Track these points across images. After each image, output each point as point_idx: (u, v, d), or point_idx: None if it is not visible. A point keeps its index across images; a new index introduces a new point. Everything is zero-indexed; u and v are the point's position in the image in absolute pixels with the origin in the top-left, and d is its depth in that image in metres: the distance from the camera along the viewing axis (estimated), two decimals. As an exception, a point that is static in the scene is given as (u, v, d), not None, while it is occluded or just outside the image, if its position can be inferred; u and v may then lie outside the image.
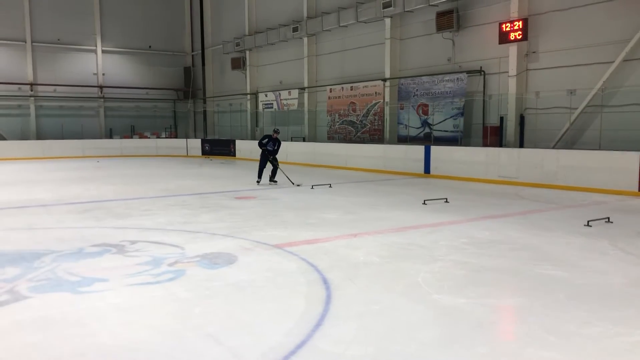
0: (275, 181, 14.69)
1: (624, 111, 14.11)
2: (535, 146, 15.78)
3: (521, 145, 16.19)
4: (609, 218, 8.96)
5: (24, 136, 29.05)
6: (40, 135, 29.51)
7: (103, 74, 31.71)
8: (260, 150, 14.69)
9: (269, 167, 14.76)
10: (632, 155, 12.75)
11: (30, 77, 29.51)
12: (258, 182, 14.68)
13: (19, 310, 4.67)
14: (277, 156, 14.80)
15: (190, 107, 34.57)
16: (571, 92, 14.97)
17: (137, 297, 5.01)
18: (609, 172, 13.07)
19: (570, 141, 15.22)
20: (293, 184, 14.40)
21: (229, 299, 5.01)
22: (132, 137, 31.17)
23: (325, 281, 5.48)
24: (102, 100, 31.76)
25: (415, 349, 3.87)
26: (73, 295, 5.07)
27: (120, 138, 30.77)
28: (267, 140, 14.53)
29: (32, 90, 29.64)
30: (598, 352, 3.84)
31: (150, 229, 8.35)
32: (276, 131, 14.76)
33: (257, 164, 14.90)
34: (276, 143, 14.58)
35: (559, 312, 4.62)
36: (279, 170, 14.78)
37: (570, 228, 8.42)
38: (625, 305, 4.84)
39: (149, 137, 31.44)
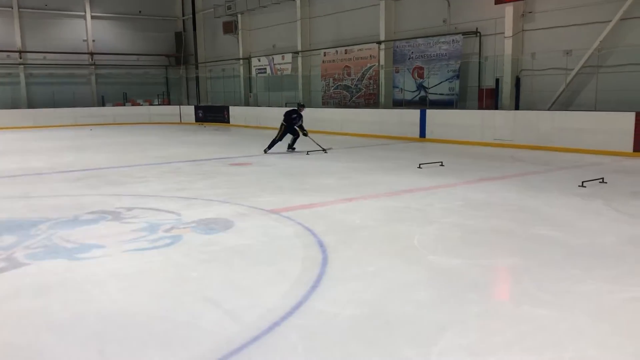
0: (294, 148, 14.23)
1: (620, 71, 14.03)
2: (530, 108, 15.72)
3: (517, 108, 16.14)
4: (603, 178, 9.00)
5: (14, 105, 28.72)
6: (31, 104, 29.18)
7: (93, 41, 31.18)
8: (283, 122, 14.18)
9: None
10: (627, 116, 12.73)
11: (18, 44, 29.00)
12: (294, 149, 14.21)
13: (17, 277, 4.69)
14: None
15: (183, 73, 34.18)
16: (567, 53, 14.84)
17: (134, 263, 5.03)
18: (604, 133, 13.08)
19: (566, 103, 15.17)
20: (324, 150, 14.00)
21: (226, 263, 5.04)
22: (124, 105, 30.88)
23: (321, 244, 5.51)
24: (93, 67, 31.32)
25: (410, 309, 3.91)
26: (70, 261, 5.08)
27: (113, 105, 30.46)
28: (295, 115, 14.04)
29: (21, 58, 29.18)
30: (591, 309, 3.89)
31: (146, 195, 8.34)
32: (303, 105, 14.66)
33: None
34: (301, 118, 14.26)
35: (554, 272, 4.67)
36: (312, 140, 14.49)
37: (565, 189, 8.46)
38: (618, 264, 4.90)
39: (142, 104, 31.14)
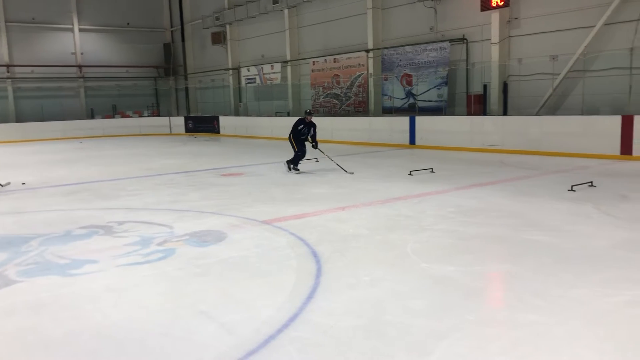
0: (297, 169, 12.11)
1: (605, 75, 14.19)
2: (518, 113, 15.86)
3: (505, 113, 16.26)
4: (592, 182, 9.09)
5: (2, 119, 28.46)
6: (19, 118, 28.97)
7: (81, 53, 31.06)
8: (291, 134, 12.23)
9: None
10: (613, 119, 12.88)
11: (6, 58, 28.82)
12: (297, 170, 12.07)
13: (9, 295, 4.65)
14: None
15: (172, 84, 34.11)
16: (553, 58, 15.00)
17: (128, 278, 5.01)
18: (591, 137, 13.22)
19: (553, 107, 15.31)
20: (346, 171, 11.69)
21: (220, 276, 5.03)
22: (114, 117, 30.77)
23: (315, 255, 5.52)
24: (82, 80, 31.18)
25: (406, 318, 3.93)
26: (63, 278, 5.05)
27: (102, 118, 30.36)
28: (302, 126, 11.99)
29: (8, 72, 28.97)
30: (584, 313, 3.93)
31: (138, 209, 8.31)
32: (309, 113, 12.21)
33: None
34: (311, 128, 12.04)
35: (546, 277, 4.71)
36: (328, 158, 12.51)
37: (554, 193, 8.53)
38: (609, 267, 4.95)
39: (132, 116, 31.06)
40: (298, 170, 12.06)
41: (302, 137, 12.10)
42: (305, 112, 12.27)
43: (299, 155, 12.14)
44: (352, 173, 11.52)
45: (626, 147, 12.58)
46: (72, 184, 11.27)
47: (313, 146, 12.13)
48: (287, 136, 12.29)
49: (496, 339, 3.55)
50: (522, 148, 14.55)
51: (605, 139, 12.94)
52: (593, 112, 14.13)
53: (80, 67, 31.03)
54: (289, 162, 12.23)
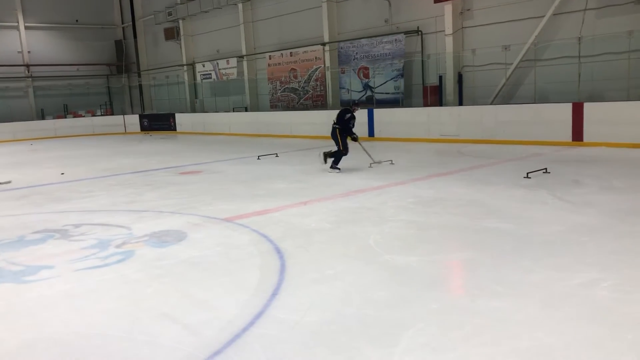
0: (339, 168, 10.80)
1: (555, 64, 14.60)
2: (473, 103, 16.16)
3: (460, 103, 16.55)
4: (546, 169, 9.35)
5: (-54, 122, 27.33)
6: (-35, 120, 27.84)
7: (28, 52, 30.00)
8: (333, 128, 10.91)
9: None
10: (564, 107, 13.27)
11: (-53, 59, 27.62)
12: (339, 169, 10.78)
13: (-40, 306, 4.46)
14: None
15: (125, 81, 33.35)
16: (506, 48, 15.33)
17: (86, 282, 4.87)
18: (544, 125, 13.58)
19: (507, 96, 15.67)
20: (392, 163, 11.28)
21: (182, 276, 4.95)
22: (65, 117, 29.85)
23: (278, 251, 5.49)
24: (30, 79, 30.13)
25: (371, 310, 3.95)
26: (18, 285, 4.88)
27: (53, 118, 29.41)
28: (349, 115, 10.76)
29: (-49, 73, 27.80)
30: (543, 297, 4.03)
31: (94, 211, 8.09)
32: (357, 103, 11.17)
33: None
34: (354, 119, 10.98)
35: (505, 263, 4.82)
36: (362, 147, 11.47)
37: (511, 181, 8.73)
38: (564, 252, 5.10)
39: (84, 116, 30.20)
40: (339, 169, 10.73)
41: (349, 126, 10.78)
42: (353, 103, 10.77)
43: (344, 153, 10.77)
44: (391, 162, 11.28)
45: (577, 134, 12.99)
46: (24, 187, 10.87)
47: (353, 139, 10.90)
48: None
49: (459, 327, 3.60)
50: (478, 137, 14.84)
51: (557, 126, 13.32)
52: (545, 100, 14.54)
53: (27, 66, 29.97)
54: (331, 158, 10.83)
